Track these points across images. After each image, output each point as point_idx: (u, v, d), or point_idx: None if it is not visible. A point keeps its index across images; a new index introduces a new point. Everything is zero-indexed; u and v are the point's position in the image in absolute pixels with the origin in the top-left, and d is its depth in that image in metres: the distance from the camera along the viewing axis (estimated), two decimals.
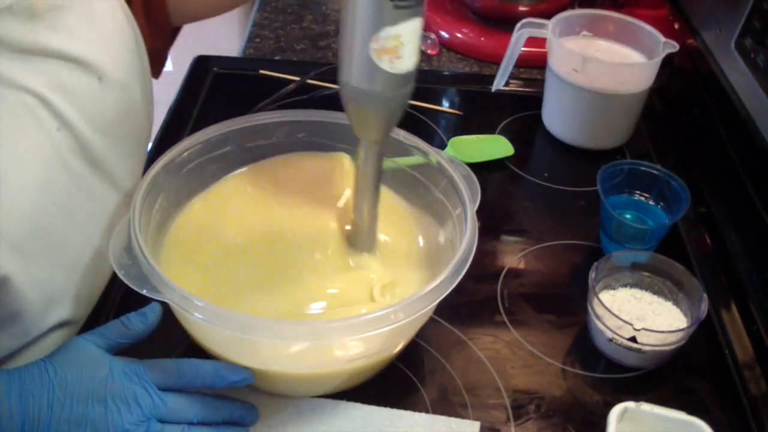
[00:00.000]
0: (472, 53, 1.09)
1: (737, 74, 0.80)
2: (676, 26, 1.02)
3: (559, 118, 0.92)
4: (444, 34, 1.11)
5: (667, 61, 0.87)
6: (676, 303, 0.67)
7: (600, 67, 0.85)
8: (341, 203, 0.68)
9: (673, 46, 0.83)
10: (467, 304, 0.70)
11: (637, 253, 0.69)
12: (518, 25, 0.89)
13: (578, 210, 0.84)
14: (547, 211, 0.84)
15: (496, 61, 0.95)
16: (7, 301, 0.49)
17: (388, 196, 0.70)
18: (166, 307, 0.55)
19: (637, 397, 0.57)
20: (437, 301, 0.53)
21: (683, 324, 0.65)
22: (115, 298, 0.66)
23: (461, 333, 0.68)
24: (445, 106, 0.99)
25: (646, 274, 0.69)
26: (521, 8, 1.07)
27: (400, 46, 0.50)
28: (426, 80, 1.04)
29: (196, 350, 0.59)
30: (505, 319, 0.70)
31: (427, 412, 0.61)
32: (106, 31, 0.55)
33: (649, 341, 0.62)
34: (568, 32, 0.92)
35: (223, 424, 0.54)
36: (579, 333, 0.69)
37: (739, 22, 0.80)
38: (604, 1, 1.10)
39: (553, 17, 0.89)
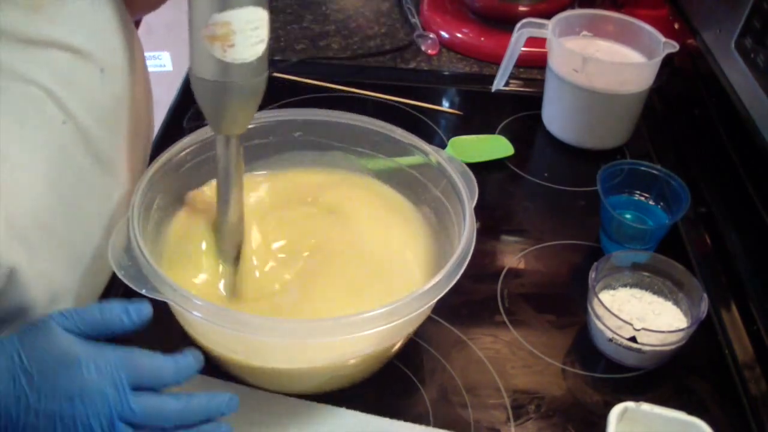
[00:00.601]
0: (472, 53, 1.09)
1: (737, 74, 0.80)
2: (676, 26, 1.02)
3: (559, 118, 0.92)
4: (444, 34, 1.11)
5: (667, 61, 0.87)
6: (676, 303, 0.67)
7: (600, 67, 0.85)
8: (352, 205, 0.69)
9: (673, 46, 0.83)
10: (467, 304, 0.70)
11: (637, 253, 0.69)
12: (518, 25, 0.89)
13: (578, 210, 0.84)
14: (547, 211, 0.84)
15: (496, 61, 0.95)
16: (14, 294, 0.48)
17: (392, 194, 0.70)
18: (165, 306, 0.55)
19: (637, 397, 0.57)
20: (436, 299, 0.53)
21: (683, 324, 0.65)
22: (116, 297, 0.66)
23: (461, 333, 0.68)
24: (445, 106, 0.99)
25: (646, 274, 0.69)
26: (521, 8, 1.07)
27: (230, 34, 0.48)
28: (426, 80, 1.04)
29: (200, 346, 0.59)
30: (505, 319, 0.70)
31: (426, 411, 0.61)
32: (106, 22, 0.55)
33: (649, 341, 0.62)
34: (568, 32, 0.92)
35: (200, 424, 0.50)
36: (579, 333, 0.69)
37: (739, 22, 0.80)
38: (604, 1, 1.10)
39: (553, 17, 0.89)
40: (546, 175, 0.88)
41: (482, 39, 1.08)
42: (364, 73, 1.04)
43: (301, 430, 0.58)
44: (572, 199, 0.85)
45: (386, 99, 0.97)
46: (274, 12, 1.17)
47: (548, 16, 0.89)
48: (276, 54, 1.08)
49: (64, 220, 0.52)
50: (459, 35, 1.10)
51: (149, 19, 0.80)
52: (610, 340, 0.64)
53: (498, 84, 0.95)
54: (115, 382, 0.45)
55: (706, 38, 0.90)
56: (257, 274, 0.61)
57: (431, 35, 1.11)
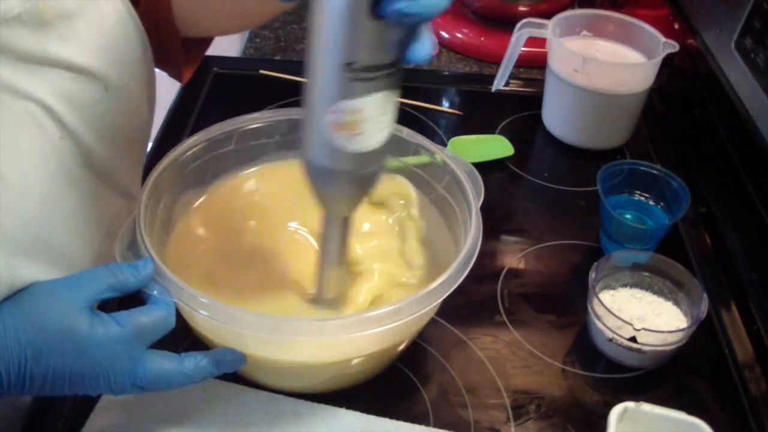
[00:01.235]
0: (472, 53, 1.09)
1: (737, 74, 0.80)
2: (676, 26, 1.02)
3: (559, 118, 0.93)
4: (444, 34, 1.11)
5: (667, 61, 0.87)
6: (676, 303, 0.67)
7: (600, 67, 0.85)
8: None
9: (673, 46, 0.83)
10: (467, 304, 0.70)
11: (637, 253, 0.69)
12: (518, 25, 0.89)
13: (578, 210, 0.84)
14: (547, 211, 0.84)
15: (496, 61, 0.95)
16: None
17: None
18: None
19: (637, 397, 0.57)
20: (442, 298, 0.53)
21: (683, 324, 0.65)
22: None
23: (461, 333, 0.68)
24: (445, 106, 0.99)
25: (646, 274, 0.69)
26: (521, 8, 1.07)
27: (360, 122, 0.43)
28: (426, 80, 1.04)
29: (200, 346, 0.59)
30: (505, 319, 0.70)
31: (426, 411, 0.61)
32: (115, 40, 0.55)
33: (649, 341, 0.62)
34: (568, 32, 0.92)
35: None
36: (579, 333, 0.69)
37: (739, 22, 0.80)
38: (604, 1, 1.10)
39: (553, 17, 0.89)
40: (546, 175, 0.88)
41: (482, 39, 1.08)
42: None
43: (301, 430, 0.58)
44: (572, 199, 0.85)
45: None
46: None
47: (548, 16, 0.89)
48: (276, 54, 1.08)
49: (63, 236, 0.52)
50: (459, 35, 1.10)
51: None
52: (610, 340, 0.64)
53: (498, 84, 0.95)
54: (130, 350, 0.48)
55: (706, 38, 0.90)
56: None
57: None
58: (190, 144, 0.64)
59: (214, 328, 0.55)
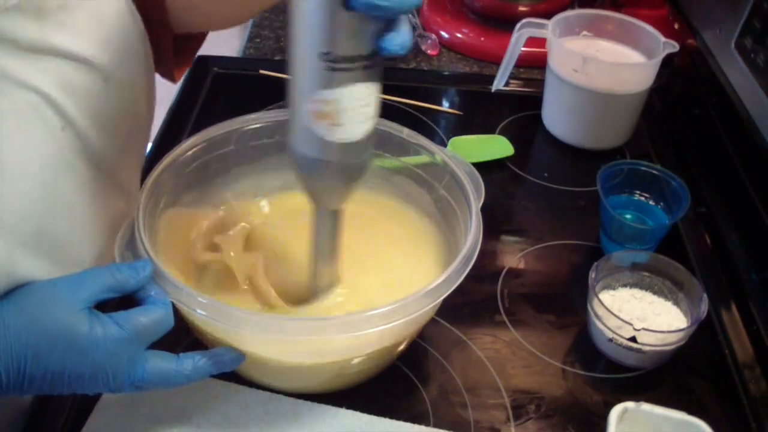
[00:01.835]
0: (472, 53, 1.09)
1: (737, 74, 0.80)
2: (676, 26, 1.02)
3: (559, 118, 0.93)
4: (444, 34, 1.11)
5: (667, 61, 0.87)
6: (676, 303, 0.67)
7: (600, 67, 0.85)
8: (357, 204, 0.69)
9: (673, 46, 0.83)
10: (467, 304, 0.70)
11: (637, 253, 0.69)
12: (518, 25, 0.89)
13: (578, 210, 0.84)
14: (547, 211, 0.84)
15: (496, 61, 0.95)
16: None
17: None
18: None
19: (637, 397, 0.57)
20: (442, 297, 0.53)
21: (683, 324, 0.65)
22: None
23: (461, 333, 0.68)
24: (445, 106, 0.99)
25: (646, 274, 0.69)
26: (521, 8, 1.07)
27: (339, 112, 0.44)
28: (426, 80, 1.04)
29: (200, 346, 0.59)
30: (505, 319, 0.70)
31: (427, 411, 0.61)
32: (113, 31, 0.55)
33: (649, 341, 0.62)
34: (568, 32, 0.92)
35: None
36: (579, 333, 0.69)
37: (739, 22, 0.80)
38: (604, 1, 1.10)
39: (553, 17, 0.89)
40: (546, 175, 0.88)
41: (482, 39, 1.08)
42: None
43: (301, 430, 0.58)
44: (572, 199, 0.85)
45: (386, 99, 0.97)
46: (274, 12, 1.17)
47: (548, 16, 0.89)
48: (276, 54, 1.08)
49: (63, 227, 0.52)
50: (459, 35, 1.10)
51: None
52: (610, 340, 0.64)
53: (498, 84, 0.95)
54: (130, 353, 0.48)
55: (706, 38, 0.90)
56: None
57: (432, 35, 1.11)
58: (190, 144, 0.64)
59: (213, 328, 0.55)
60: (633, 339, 0.62)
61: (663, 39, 0.85)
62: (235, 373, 0.61)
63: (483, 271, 0.74)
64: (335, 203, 0.53)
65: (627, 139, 0.92)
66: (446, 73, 1.06)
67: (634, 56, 0.90)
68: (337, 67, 0.43)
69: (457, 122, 0.96)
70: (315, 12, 0.42)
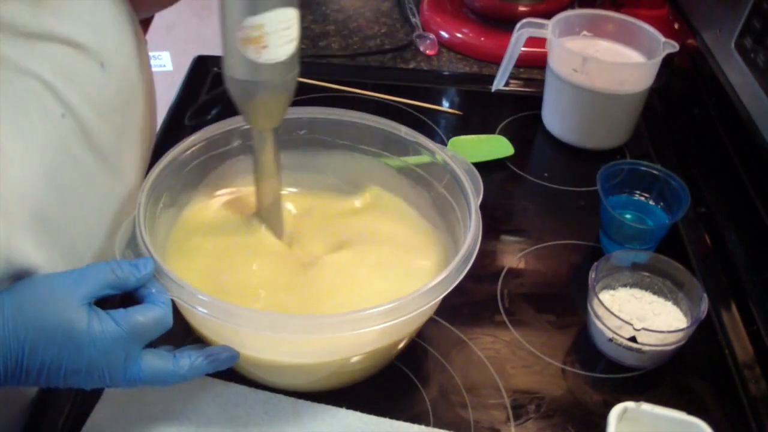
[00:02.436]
0: (472, 53, 1.09)
1: (737, 74, 0.80)
2: (676, 26, 1.02)
3: (559, 118, 0.93)
4: (444, 34, 1.11)
5: (667, 61, 0.87)
6: (676, 303, 0.67)
7: (600, 67, 0.85)
8: (358, 203, 0.70)
9: (673, 46, 0.83)
10: (467, 304, 0.70)
11: (637, 253, 0.69)
12: (518, 25, 0.89)
13: (578, 210, 0.84)
14: (547, 211, 0.84)
15: (496, 61, 0.95)
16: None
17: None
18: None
19: (637, 397, 0.57)
20: (441, 296, 0.53)
21: (683, 324, 0.65)
22: (115, 298, 0.66)
23: (461, 333, 0.68)
24: (445, 106, 0.99)
25: (646, 274, 0.69)
26: (521, 8, 1.07)
27: (264, 36, 0.50)
28: (426, 80, 1.04)
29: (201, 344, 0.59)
30: (505, 319, 0.70)
31: (427, 411, 0.61)
32: (108, 18, 0.55)
33: (649, 341, 0.62)
34: (568, 32, 0.92)
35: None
36: (579, 333, 0.69)
37: (739, 22, 0.80)
38: (604, 1, 1.10)
39: (553, 17, 0.89)
40: (546, 175, 0.88)
41: (482, 39, 1.08)
42: (364, 73, 1.04)
43: (301, 430, 0.58)
44: (572, 199, 0.85)
45: (386, 99, 0.97)
46: None
47: (548, 16, 0.89)
48: None
49: (63, 216, 0.52)
50: (459, 35, 1.10)
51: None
52: (610, 340, 0.64)
53: (498, 84, 0.95)
54: (128, 350, 0.48)
55: (706, 38, 0.90)
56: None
57: (431, 35, 1.11)
58: (190, 143, 0.64)
59: (214, 326, 0.55)
60: (633, 339, 0.62)
61: (663, 39, 0.85)
62: (235, 372, 0.61)
63: (483, 271, 0.74)
64: (269, 122, 0.57)
65: (627, 139, 0.92)
66: (446, 73, 1.06)
67: (634, 56, 0.90)
68: None
69: (457, 122, 0.96)
70: None
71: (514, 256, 0.77)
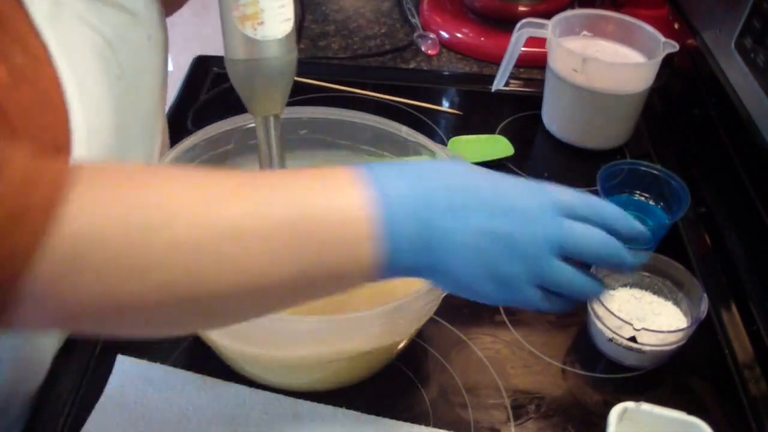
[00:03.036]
0: (472, 53, 1.09)
1: (737, 74, 0.80)
2: (676, 26, 1.02)
3: (559, 118, 0.92)
4: (444, 34, 1.11)
5: (667, 61, 0.87)
6: (676, 303, 0.67)
7: (600, 67, 0.85)
8: None
9: (673, 46, 0.83)
10: (467, 304, 0.70)
11: (637, 253, 0.69)
12: (518, 25, 0.89)
13: None
14: None
15: (496, 61, 0.95)
16: None
17: None
18: None
19: (637, 397, 0.57)
20: (441, 296, 0.53)
21: (683, 324, 0.65)
22: None
23: (461, 333, 0.68)
24: (445, 106, 0.99)
25: (646, 274, 0.69)
26: (521, 8, 1.07)
27: (259, 12, 0.52)
28: (426, 80, 1.04)
29: (200, 346, 0.59)
30: (505, 319, 0.70)
31: (427, 411, 0.61)
32: None
33: (649, 341, 0.62)
34: (568, 32, 0.92)
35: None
36: (579, 333, 0.69)
37: (739, 22, 0.80)
38: (604, 1, 1.10)
39: (553, 17, 0.89)
40: (546, 175, 0.88)
41: (482, 39, 1.08)
42: (364, 73, 1.04)
43: (301, 430, 0.58)
44: None
45: (386, 99, 0.97)
46: None
47: (548, 16, 0.89)
48: None
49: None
50: (459, 35, 1.10)
51: None
52: (610, 340, 0.64)
53: (498, 84, 0.95)
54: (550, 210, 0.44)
55: (706, 38, 0.89)
56: None
57: (431, 35, 1.11)
58: (190, 143, 0.64)
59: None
60: (633, 339, 0.62)
61: (663, 39, 0.85)
62: (235, 372, 0.61)
63: None
64: (272, 107, 0.57)
65: (627, 139, 0.92)
66: (446, 73, 1.06)
67: (634, 56, 0.90)
68: None
69: (457, 122, 0.96)
70: None
71: None
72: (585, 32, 0.93)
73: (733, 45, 0.81)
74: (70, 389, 0.60)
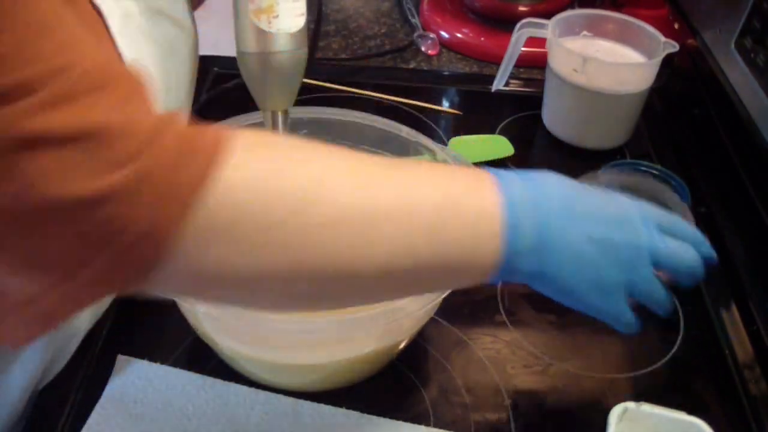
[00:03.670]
0: (472, 53, 1.09)
1: (737, 74, 0.80)
2: (676, 26, 1.02)
3: (559, 118, 0.92)
4: (444, 34, 1.11)
5: (667, 61, 0.87)
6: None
7: (600, 67, 0.85)
8: None
9: (673, 46, 0.83)
10: (467, 304, 0.70)
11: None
12: (518, 25, 0.89)
13: None
14: None
15: (496, 61, 0.95)
16: None
17: None
18: (172, 302, 0.55)
19: (637, 397, 0.57)
20: (441, 296, 0.53)
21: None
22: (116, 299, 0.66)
23: (461, 333, 0.68)
24: (445, 106, 0.99)
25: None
26: (521, 8, 1.07)
27: (274, 5, 0.53)
28: (426, 80, 1.04)
29: (201, 346, 0.59)
30: (505, 319, 0.70)
31: (427, 411, 0.61)
32: (187, 5, 0.59)
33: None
34: (568, 32, 0.92)
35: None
36: (579, 333, 0.69)
37: (739, 22, 0.80)
38: (604, 1, 1.10)
39: (553, 17, 0.89)
40: None
41: (482, 39, 1.08)
42: (364, 73, 1.04)
43: (301, 430, 0.58)
44: None
45: (386, 99, 0.97)
46: None
47: (548, 16, 0.89)
48: None
49: None
50: (459, 35, 1.10)
51: None
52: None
53: (498, 84, 0.95)
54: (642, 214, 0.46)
55: (706, 38, 0.89)
56: None
57: (431, 35, 1.11)
58: None
59: (214, 326, 0.55)
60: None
61: (663, 39, 0.85)
62: (235, 373, 0.61)
63: None
64: (281, 102, 0.58)
65: (627, 139, 0.92)
66: (446, 73, 1.06)
67: (634, 56, 0.90)
68: None
69: (457, 122, 0.96)
70: None
71: None
72: (585, 32, 0.93)
73: (733, 45, 0.81)
74: (70, 389, 0.60)
